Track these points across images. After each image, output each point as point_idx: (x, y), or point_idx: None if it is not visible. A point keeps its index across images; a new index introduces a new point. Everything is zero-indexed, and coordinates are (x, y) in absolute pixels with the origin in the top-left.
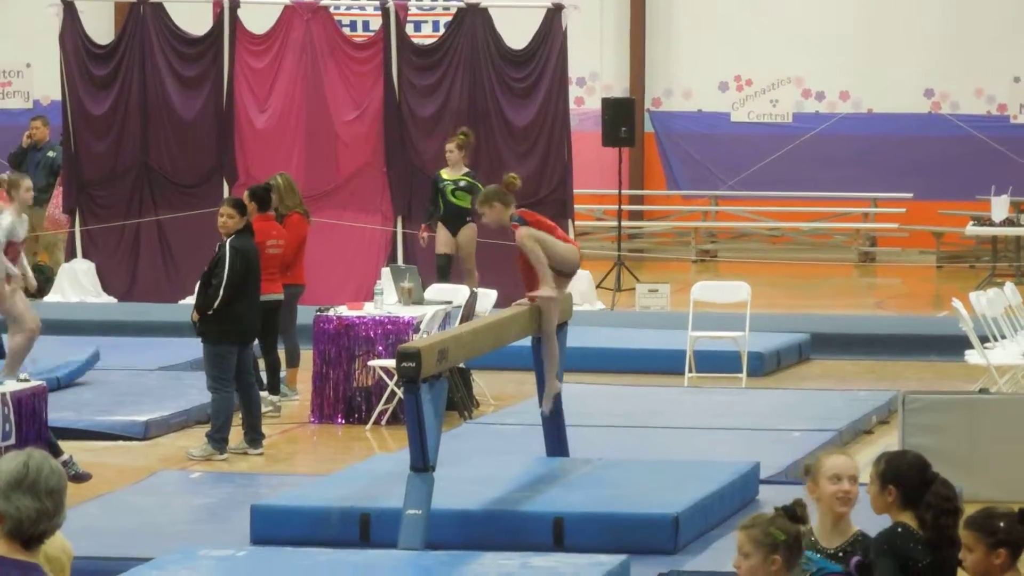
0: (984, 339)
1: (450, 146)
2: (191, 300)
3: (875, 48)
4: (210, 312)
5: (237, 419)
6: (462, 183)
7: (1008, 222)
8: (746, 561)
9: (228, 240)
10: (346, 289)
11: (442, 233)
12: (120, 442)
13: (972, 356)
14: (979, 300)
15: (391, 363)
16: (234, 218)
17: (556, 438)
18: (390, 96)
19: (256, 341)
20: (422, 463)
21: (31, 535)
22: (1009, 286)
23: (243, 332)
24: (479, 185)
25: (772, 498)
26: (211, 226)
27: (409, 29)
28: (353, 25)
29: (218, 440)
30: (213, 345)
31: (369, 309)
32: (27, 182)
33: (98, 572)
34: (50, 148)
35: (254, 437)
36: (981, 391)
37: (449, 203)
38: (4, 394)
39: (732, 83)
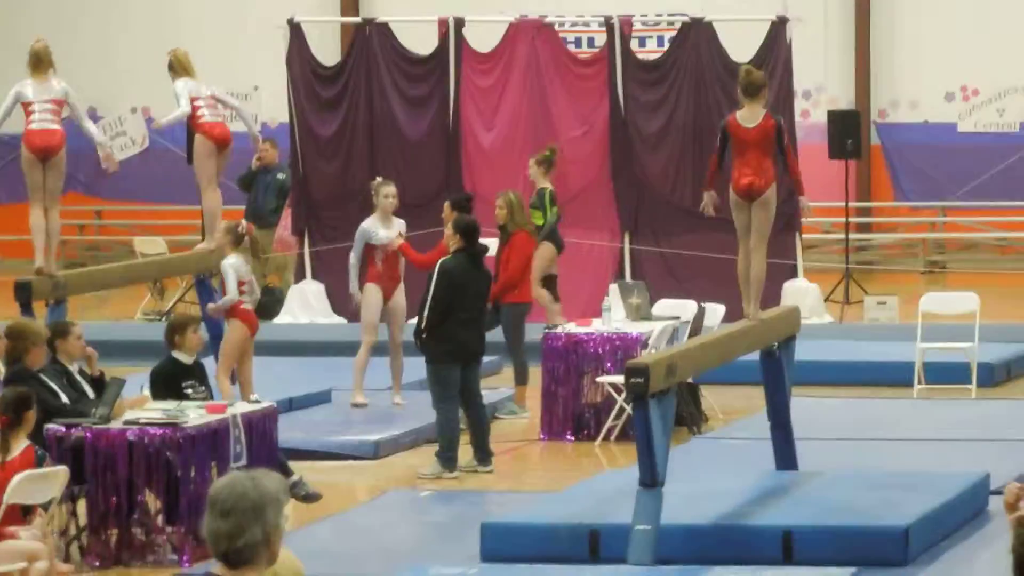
0: None
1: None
2: None
3: None
4: (424, 333)
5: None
6: None
7: None
8: None
9: (440, 260)
10: (574, 306)
11: None
12: (351, 462)
13: None
14: None
15: (620, 379)
16: (452, 238)
17: (785, 452)
18: (616, 112)
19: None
20: (651, 478)
21: (224, 554)
22: None
23: (459, 350)
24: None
25: (1002, 509)
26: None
27: (634, 45)
28: (578, 42)
29: (446, 459)
30: (432, 363)
31: (597, 325)
32: (387, 188)
33: None
34: (280, 170)
35: (482, 455)
36: None
37: None
38: (236, 415)
39: (958, 93)
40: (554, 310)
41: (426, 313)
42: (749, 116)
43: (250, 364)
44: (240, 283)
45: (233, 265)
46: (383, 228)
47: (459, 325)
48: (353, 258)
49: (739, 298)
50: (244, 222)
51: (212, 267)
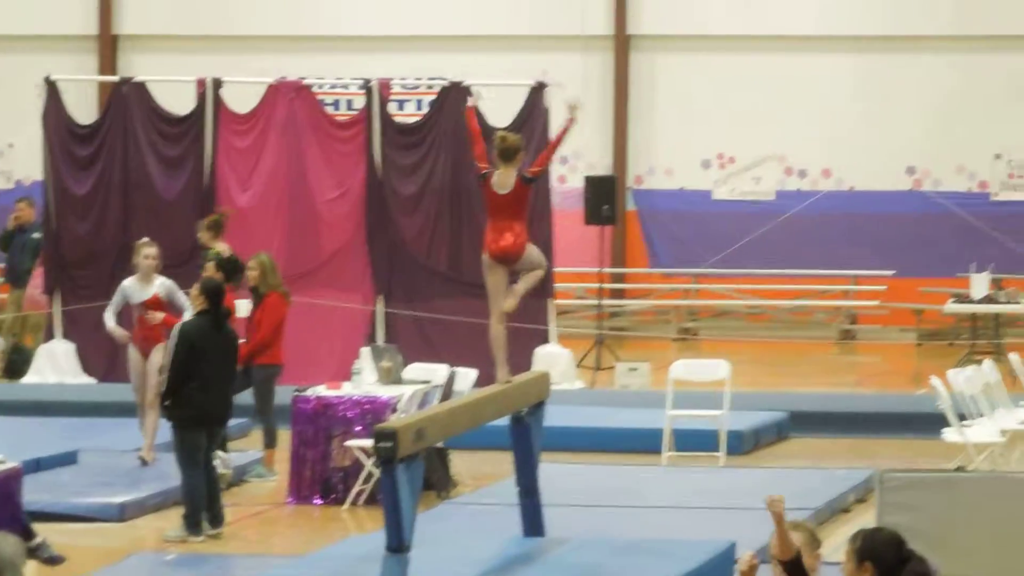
0: (962, 417)
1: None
2: None
3: (857, 125)
4: (166, 398)
5: None
6: None
7: (988, 299)
8: None
9: (180, 323)
10: (326, 369)
11: None
12: (96, 524)
13: (950, 434)
14: (958, 378)
15: (369, 443)
16: (197, 299)
17: (533, 518)
18: (372, 175)
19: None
20: (398, 544)
21: None
22: (988, 364)
23: (202, 415)
24: None
25: None
26: None
27: (392, 108)
28: (336, 104)
29: (192, 523)
30: (176, 429)
31: (347, 389)
32: (147, 249)
33: None
34: (35, 230)
35: (212, 517)
36: (958, 469)
37: None
38: None
39: (714, 161)
40: None
41: (166, 377)
42: (503, 181)
43: None
44: None
45: None
46: (140, 289)
47: (201, 389)
48: (107, 312)
49: (491, 362)
50: None
51: None
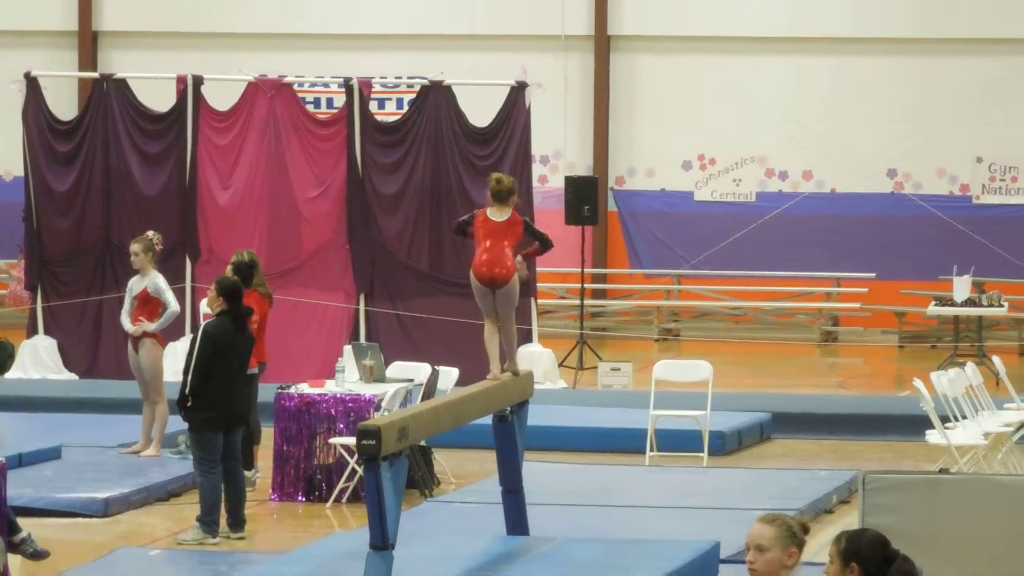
0: (945, 419)
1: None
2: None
3: (838, 128)
4: (186, 398)
5: None
6: None
7: (970, 302)
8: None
9: (204, 324)
10: (308, 367)
11: None
12: (80, 519)
13: (933, 436)
14: (940, 380)
15: (352, 441)
16: (215, 300)
17: (517, 516)
18: (353, 173)
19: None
20: (382, 541)
21: None
22: (970, 366)
23: (221, 417)
24: None
25: None
26: None
27: (372, 107)
28: (317, 102)
29: (208, 523)
30: (194, 431)
31: (330, 387)
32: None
33: None
34: None
35: (235, 521)
36: (941, 471)
37: None
38: None
39: (695, 162)
40: None
41: (188, 377)
42: (497, 214)
43: None
44: None
45: None
46: (137, 284)
47: (221, 390)
48: (122, 314)
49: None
50: None
51: None
